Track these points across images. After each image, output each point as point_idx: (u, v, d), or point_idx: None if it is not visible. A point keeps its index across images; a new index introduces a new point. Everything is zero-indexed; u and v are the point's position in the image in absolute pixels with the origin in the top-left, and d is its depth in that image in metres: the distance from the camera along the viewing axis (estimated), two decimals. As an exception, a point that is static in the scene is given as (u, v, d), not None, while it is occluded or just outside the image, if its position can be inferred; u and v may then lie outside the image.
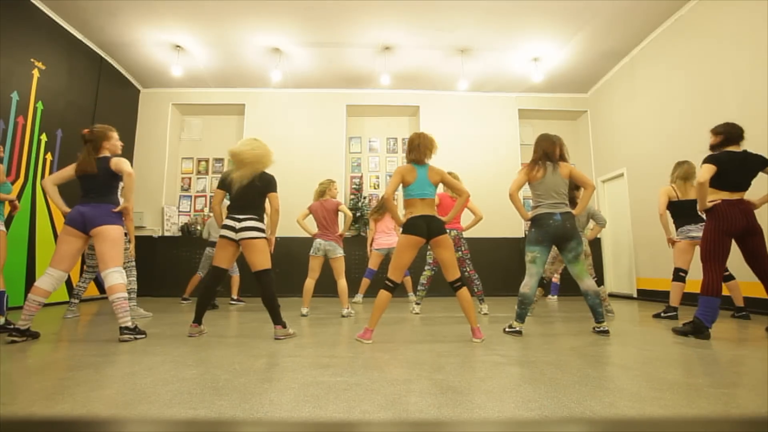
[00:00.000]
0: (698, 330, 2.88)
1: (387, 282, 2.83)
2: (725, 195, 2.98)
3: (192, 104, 7.76)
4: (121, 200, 3.10)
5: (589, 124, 7.82)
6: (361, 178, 7.94)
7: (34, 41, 5.07)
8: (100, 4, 5.28)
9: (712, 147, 3.16)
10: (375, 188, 7.95)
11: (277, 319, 2.94)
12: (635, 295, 6.42)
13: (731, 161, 2.98)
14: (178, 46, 6.29)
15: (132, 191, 3.00)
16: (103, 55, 6.40)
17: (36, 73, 5.07)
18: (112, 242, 2.83)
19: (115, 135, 3.09)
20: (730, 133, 3.08)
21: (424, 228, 2.82)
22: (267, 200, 3.13)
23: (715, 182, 3.00)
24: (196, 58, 6.60)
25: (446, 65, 6.83)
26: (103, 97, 6.39)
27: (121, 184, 3.15)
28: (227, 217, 3.05)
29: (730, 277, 3.95)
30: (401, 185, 2.97)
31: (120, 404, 1.50)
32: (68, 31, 5.68)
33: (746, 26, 4.44)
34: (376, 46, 6.34)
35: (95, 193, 2.89)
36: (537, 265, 3.05)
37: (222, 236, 3.02)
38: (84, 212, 2.82)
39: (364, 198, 7.72)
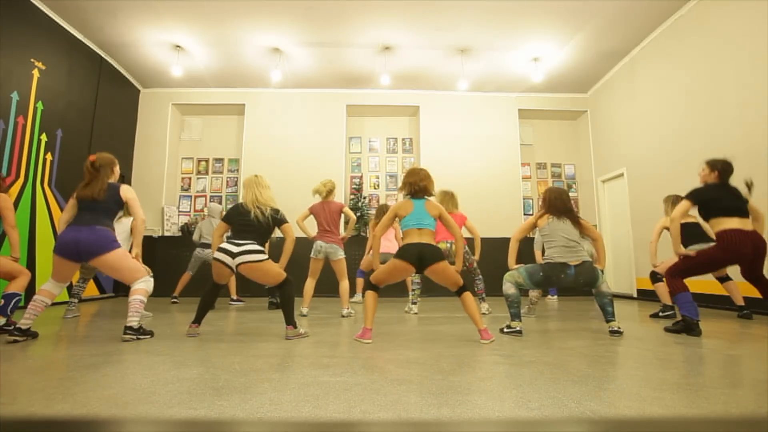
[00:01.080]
0: (689, 327, 2.94)
1: (370, 282, 2.86)
2: (736, 223, 2.94)
3: (192, 104, 7.76)
4: (117, 225, 3.05)
5: (589, 124, 7.82)
6: (361, 178, 7.94)
7: (34, 41, 5.07)
8: (100, 4, 5.28)
9: (704, 182, 3.19)
10: (375, 188, 7.95)
11: (289, 320, 2.94)
12: (635, 295, 6.42)
13: (717, 190, 3.03)
14: (178, 46, 6.29)
15: (141, 235, 2.97)
16: (103, 55, 6.40)
17: (36, 73, 5.07)
18: (120, 264, 2.79)
19: (117, 165, 3.09)
20: (726, 171, 3.10)
21: (415, 257, 2.76)
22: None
23: (717, 211, 3.00)
24: (196, 58, 6.60)
25: (446, 65, 6.84)
26: (103, 97, 6.40)
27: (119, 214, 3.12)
28: (226, 241, 3.00)
29: (727, 278, 3.98)
30: (397, 220, 2.95)
31: (120, 404, 1.50)
32: (68, 31, 5.68)
33: (746, 26, 4.44)
34: (376, 46, 6.34)
35: (94, 215, 2.79)
36: (520, 286, 3.09)
37: (216, 259, 2.96)
38: (79, 240, 2.66)
39: (364, 198, 7.73)
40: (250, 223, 3.02)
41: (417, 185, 2.94)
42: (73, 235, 2.69)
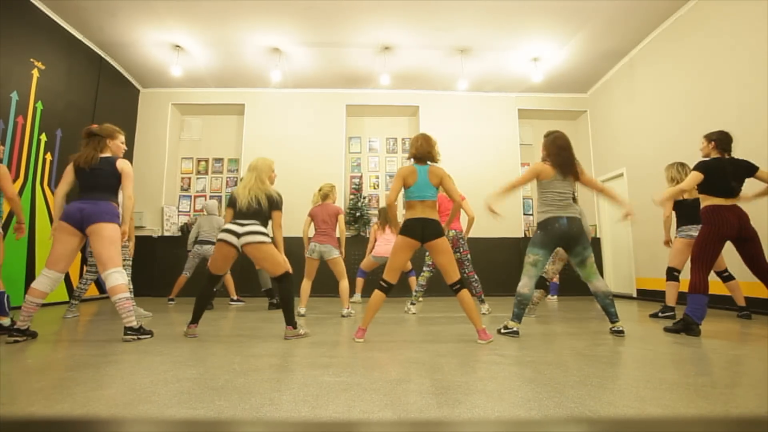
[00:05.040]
0: (689, 327, 2.96)
1: (382, 282, 2.85)
2: (719, 201, 3.08)
3: (192, 104, 7.75)
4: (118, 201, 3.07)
5: (588, 124, 7.82)
6: (360, 178, 7.94)
7: (34, 41, 5.06)
8: (99, 4, 5.28)
9: (706, 154, 3.27)
10: (374, 188, 7.95)
11: (289, 320, 2.94)
12: (635, 295, 6.42)
13: (721, 168, 3.10)
14: (177, 46, 6.28)
15: (129, 212, 2.97)
16: (102, 55, 6.40)
17: (36, 73, 5.06)
18: (109, 241, 2.78)
19: (121, 137, 3.10)
20: (722, 141, 3.18)
21: (419, 231, 2.82)
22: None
23: (708, 188, 3.11)
24: (196, 58, 6.60)
25: (446, 65, 6.83)
26: (103, 97, 6.39)
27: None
28: (231, 222, 3.02)
29: (730, 277, 3.96)
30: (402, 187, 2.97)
31: (120, 404, 1.50)
32: (68, 31, 5.67)
33: (746, 26, 4.44)
34: (375, 46, 6.34)
35: (94, 190, 2.84)
36: (537, 268, 3.04)
37: (221, 240, 2.96)
38: (83, 208, 2.77)
39: (364, 198, 7.73)
40: (249, 206, 3.03)
41: (419, 151, 3.00)
42: (77, 206, 2.78)
